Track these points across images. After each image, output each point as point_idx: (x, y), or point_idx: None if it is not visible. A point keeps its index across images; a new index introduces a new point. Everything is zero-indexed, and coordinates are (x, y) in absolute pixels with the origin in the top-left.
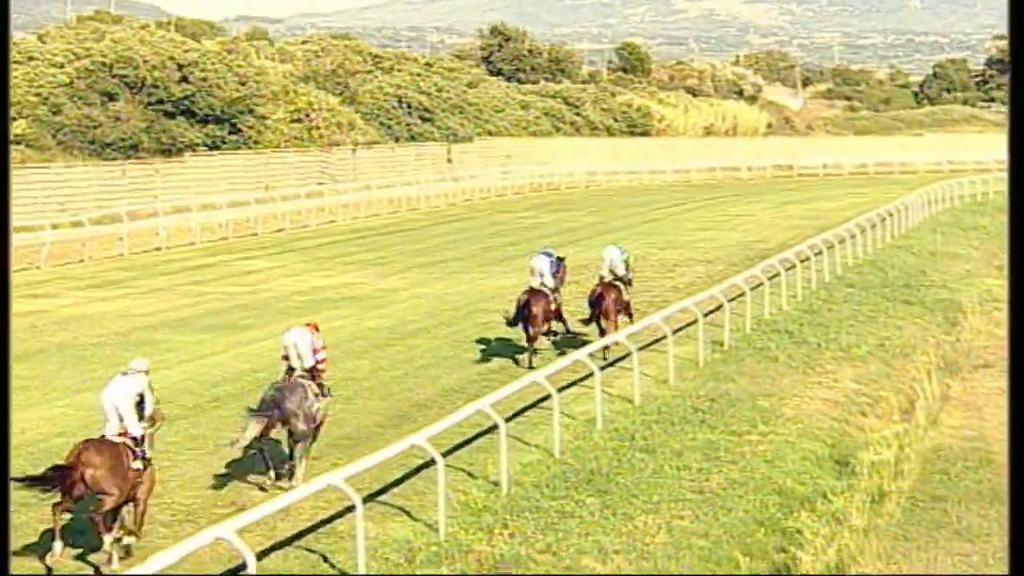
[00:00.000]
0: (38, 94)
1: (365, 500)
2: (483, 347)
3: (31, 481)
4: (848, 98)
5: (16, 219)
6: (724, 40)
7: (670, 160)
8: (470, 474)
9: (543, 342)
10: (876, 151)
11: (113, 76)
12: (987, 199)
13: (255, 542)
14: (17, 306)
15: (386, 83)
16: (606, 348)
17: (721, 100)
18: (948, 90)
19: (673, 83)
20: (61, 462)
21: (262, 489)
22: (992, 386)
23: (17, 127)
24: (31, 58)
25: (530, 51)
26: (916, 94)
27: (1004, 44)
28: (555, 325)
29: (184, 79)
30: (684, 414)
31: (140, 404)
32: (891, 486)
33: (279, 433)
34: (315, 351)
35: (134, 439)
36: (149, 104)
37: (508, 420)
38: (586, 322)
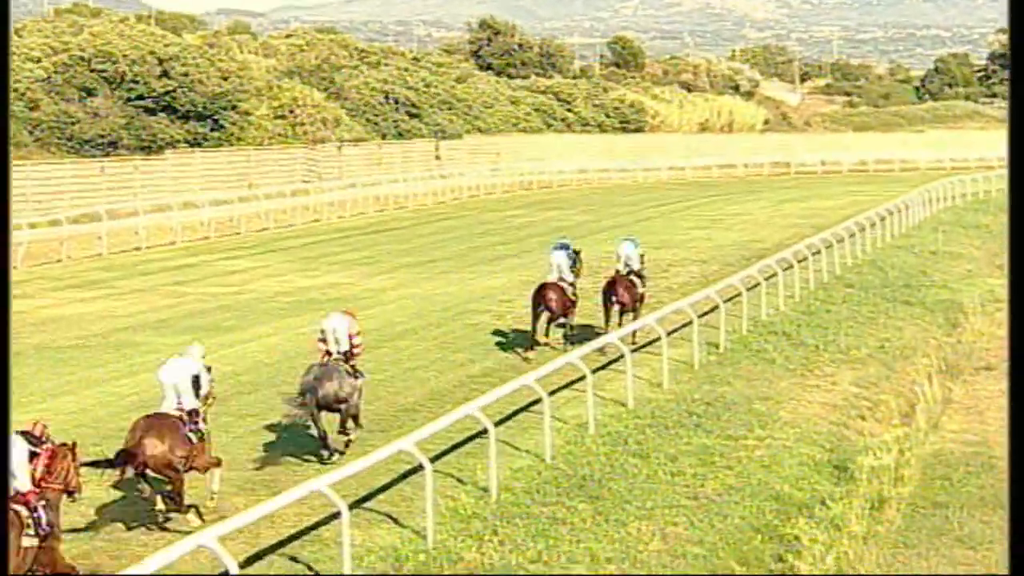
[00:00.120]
0: (14, 89)
1: (351, 506)
2: (472, 349)
3: (110, 464)
4: (847, 93)
5: None
6: (720, 34)
7: (664, 157)
8: (459, 480)
9: (542, 342)
10: (876, 148)
11: (92, 71)
12: (990, 197)
13: (238, 550)
14: None
15: (372, 78)
16: (634, 333)
17: (717, 95)
18: (950, 85)
19: (667, 78)
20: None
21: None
22: (994, 389)
23: None
24: None
25: (520, 45)
26: (917, 89)
27: (1006, 38)
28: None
29: (165, 74)
30: (679, 418)
31: (196, 383)
32: (891, 492)
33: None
34: (351, 336)
35: (190, 413)
36: (129, 100)
37: (498, 424)
38: (604, 304)
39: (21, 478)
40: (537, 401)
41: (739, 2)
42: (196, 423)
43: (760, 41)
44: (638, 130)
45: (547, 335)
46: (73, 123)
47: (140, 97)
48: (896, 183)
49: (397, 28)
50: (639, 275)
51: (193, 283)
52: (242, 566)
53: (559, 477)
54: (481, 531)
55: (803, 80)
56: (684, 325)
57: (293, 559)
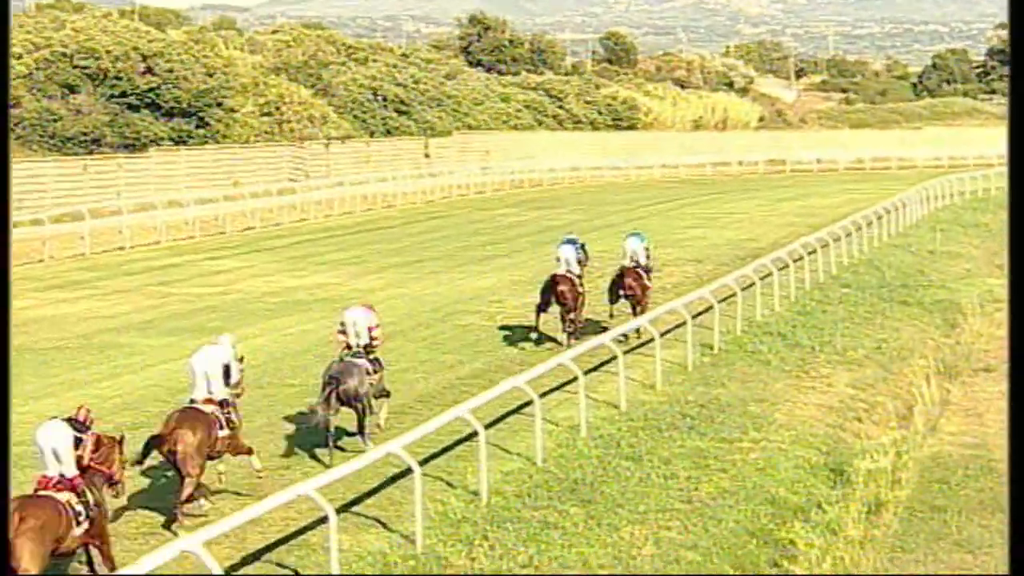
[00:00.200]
0: None
1: (339, 511)
2: (462, 351)
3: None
4: (844, 90)
5: None
6: (714, 30)
7: (657, 155)
8: (448, 483)
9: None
10: (873, 145)
11: (74, 67)
12: (988, 195)
13: (224, 555)
14: None
15: (360, 75)
16: (637, 331)
17: (711, 92)
18: (948, 81)
19: (660, 75)
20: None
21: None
22: (993, 391)
23: None
24: None
25: (511, 41)
26: (915, 86)
27: (1006, 34)
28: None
29: (149, 70)
30: (672, 420)
31: (226, 372)
32: (888, 495)
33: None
34: (370, 329)
35: (222, 403)
36: (112, 97)
37: (488, 427)
38: (613, 301)
39: (68, 464)
40: (528, 403)
41: None
42: (228, 413)
43: (755, 37)
44: (631, 127)
45: (569, 340)
46: (55, 120)
47: (124, 94)
48: (893, 181)
49: (385, 24)
50: (647, 269)
51: (178, 283)
52: (228, 572)
53: (550, 480)
54: (471, 536)
55: (799, 76)
56: (678, 326)
57: (280, 564)
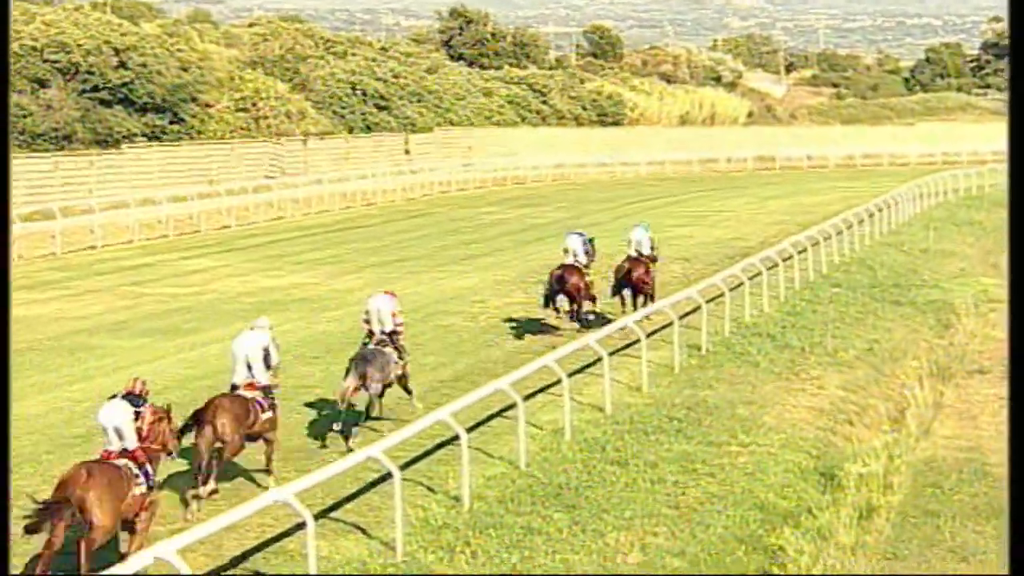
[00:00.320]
0: None
1: (317, 517)
2: (444, 352)
3: (181, 431)
4: (835, 85)
5: None
6: (701, 23)
7: (643, 151)
8: (429, 488)
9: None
10: (864, 141)
11: (44, 61)
12: (983, 193)
13: (199, 563)
14: None
15: (339, 69)
16: (647, 318)
17: (698, 87)
18: (941, 76)
19: (646, 69)
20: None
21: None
22: (988, 393)
23: None
24: None
25: (493, 35)
26: (907, 80)
27: (1000, 27)
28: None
29: (121, 64)
30: (659, 423)
31: (266, 356)
32: (880, 500)
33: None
34: (394, 315)
35: (262, 387)
36: (84, 91)
37: (470, 430)
38: (613, 294)
39: (129, 436)
40: (511, 406)
41: None
42: (271, 398)
43: (743, 30)
44: (616, 123)
45: (572, 318)
46: (25, 116)
47: (95, 89)
48: (885, 178)
49: (364, 16)
50: (652, 260)
51: (151, 283)
52: None
53: (534, 485)
54: (453, 542)
55: (788, 71)
56: (664, 326)
57: (257, 572)
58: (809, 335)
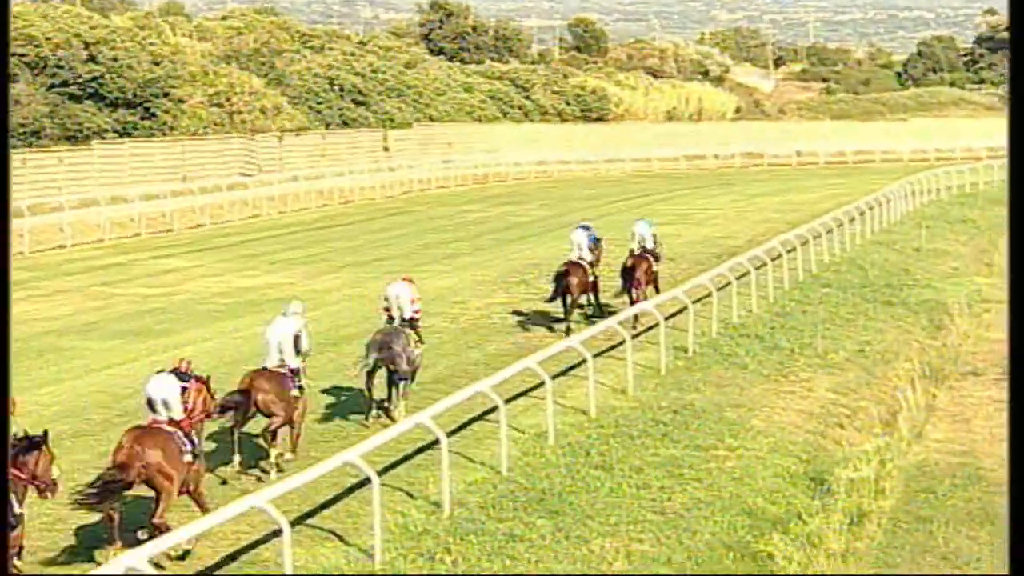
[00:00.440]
0: None
1: (293, 523)
2: (423, 354)
3: (222, 409)
4: (824, 79)
5: None
6: (688, 15)
7: (629, 148)
8: (409, 494)
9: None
10: (855, 137)
11: (12, 55)
12: (977, 190)
13: (172, 571)
14: None
15: (316, 63)
16: (636, 317)
17: (685, 82)
18: (934, 70)
19: (632, 63)
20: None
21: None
22: (982, 395)
23: None
24: None
25: (474, 28)
26: (899, 75)
27: (995, 20)
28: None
29: (91, 58)
30: (644, 427)
31: (297, 342)
32: (871, 506)
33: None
34: (412, 301)
35: (292, 371)
36: (52, 86)
37: (450, 434)
38: (619, 294)
39: (176, 410)
40: (493, 409)
41: None
42: (299, 380)
43: (731, 23)
44: (600, 119)
45: (577, 312)
46: None
47: (65, 83)
48: (877, 175)
49: (342, 9)
50: (654, 255)
51: (122, 284)
52: None
53: (516, 491)
54: (433, 549)
55: (777, 65)
56: (650, 328)
57: None
58: (799, 336)
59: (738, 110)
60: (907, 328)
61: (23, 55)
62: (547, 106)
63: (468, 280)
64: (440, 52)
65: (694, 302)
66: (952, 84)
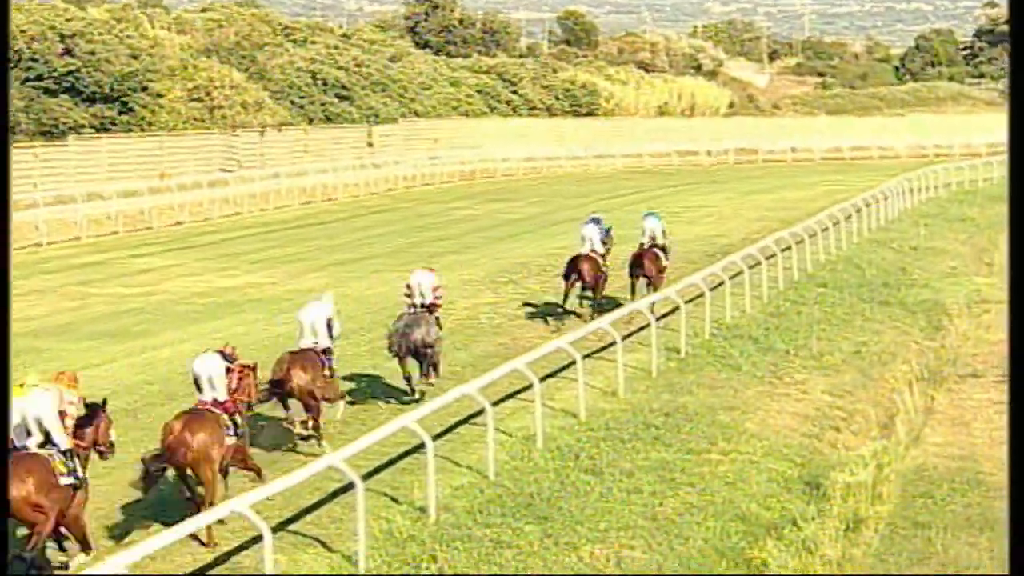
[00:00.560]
0: None
1: (274, 529)
2: None
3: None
4: (820, 74)
5: None
6: (680, 8)
7: (620, 144)
8: (394, 499)
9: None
10: (852, 133)
11: None
12: (976, 187)
13: (151, 574)
14: None
15: (298, 57)
16: (652, 304)
17: (677, 76)
18: (932, 64)
19: (623, 57)
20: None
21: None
22: (981, 398)
23: None
24: None
25: (461, 21)
26: (897, 69)
27: (995, 13)
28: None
29: (67, 52)
30: (635, 430)
31: (329, 324)
32: (868, 511)
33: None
34: (434, 289)
35: (324, 351)
36: (27, 80)
37: (436, 438)
38: (631, 276)
39: (220, 389)
40: (480, 412)
41: None
42: (330, 360)
43: (724, 16)
44: (590, 114)
45: (581, 305)
46: None
47: (40, 77)
48: (874, 171)
49: (325, 1)
50: (663, 248)
51: (99, 283)
52: None
53: (504, 496)
54: (418, 556)
55: (772, 59)
56: (641, 328)
57: None
58: (793, 337)
59: (732, 105)
60: (905, 329)
61: None
62: (536, 101)
63: (455, 280)
64: (426, 45)
65: (687, 302)
66: (951, 79)
